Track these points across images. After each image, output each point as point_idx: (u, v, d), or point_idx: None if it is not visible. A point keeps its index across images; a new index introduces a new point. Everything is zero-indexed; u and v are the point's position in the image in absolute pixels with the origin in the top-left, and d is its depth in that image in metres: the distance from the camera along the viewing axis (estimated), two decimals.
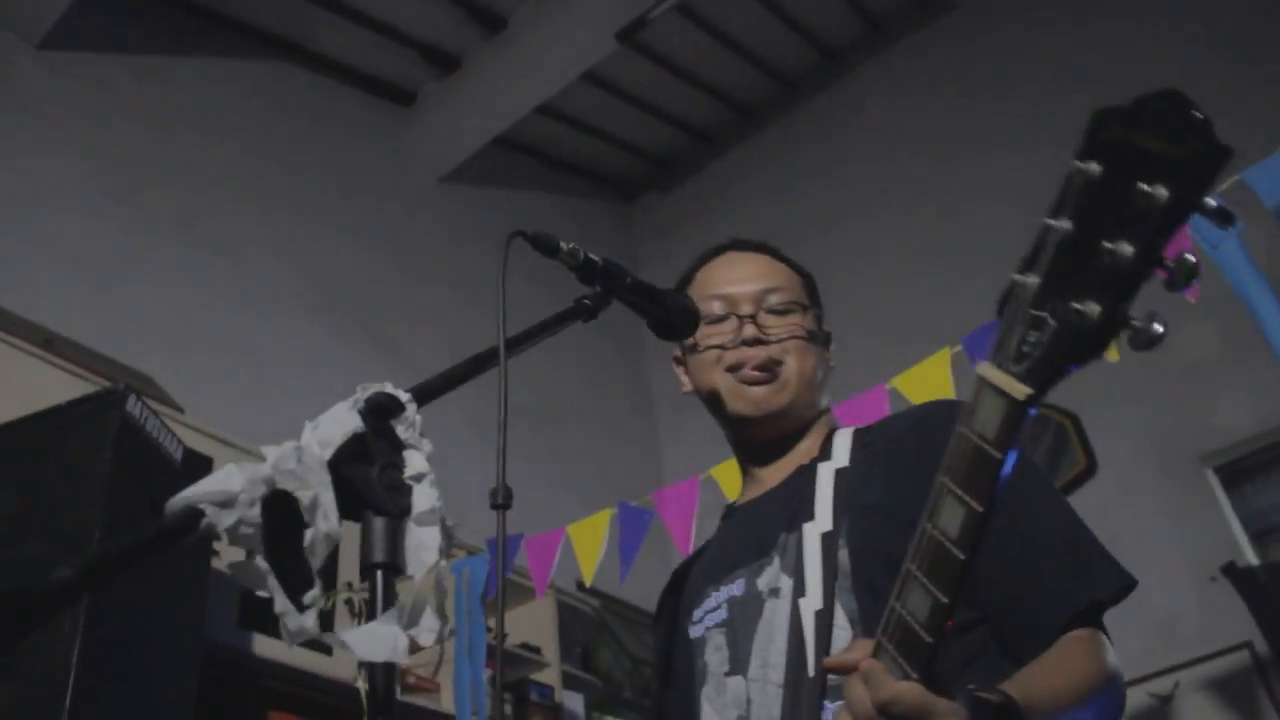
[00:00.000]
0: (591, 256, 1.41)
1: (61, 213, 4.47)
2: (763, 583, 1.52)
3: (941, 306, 5.33)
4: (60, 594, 0.79)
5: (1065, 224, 0.82)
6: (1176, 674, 4.91)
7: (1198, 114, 0.78)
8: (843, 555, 1.44)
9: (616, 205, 8.15)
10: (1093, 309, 0.80)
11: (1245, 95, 5.44)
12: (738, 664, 1.50)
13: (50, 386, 3.24)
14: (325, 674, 3.68)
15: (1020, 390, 0.85)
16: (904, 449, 1.48)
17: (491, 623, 4.73)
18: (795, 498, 1.56)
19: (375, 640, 0.91)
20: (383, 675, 0.95)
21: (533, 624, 4.77)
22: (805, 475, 1.59)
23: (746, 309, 1.65)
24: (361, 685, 3.85)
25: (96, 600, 2.35)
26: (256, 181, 5.45)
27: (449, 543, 1.00)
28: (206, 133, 5.35)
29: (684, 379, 1.78)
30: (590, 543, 3.29)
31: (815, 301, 1.75)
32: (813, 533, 1.48)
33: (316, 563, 0.93)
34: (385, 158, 6.43)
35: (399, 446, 1.00)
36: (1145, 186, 0.79)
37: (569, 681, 4.81)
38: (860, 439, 1.60)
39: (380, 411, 1.00)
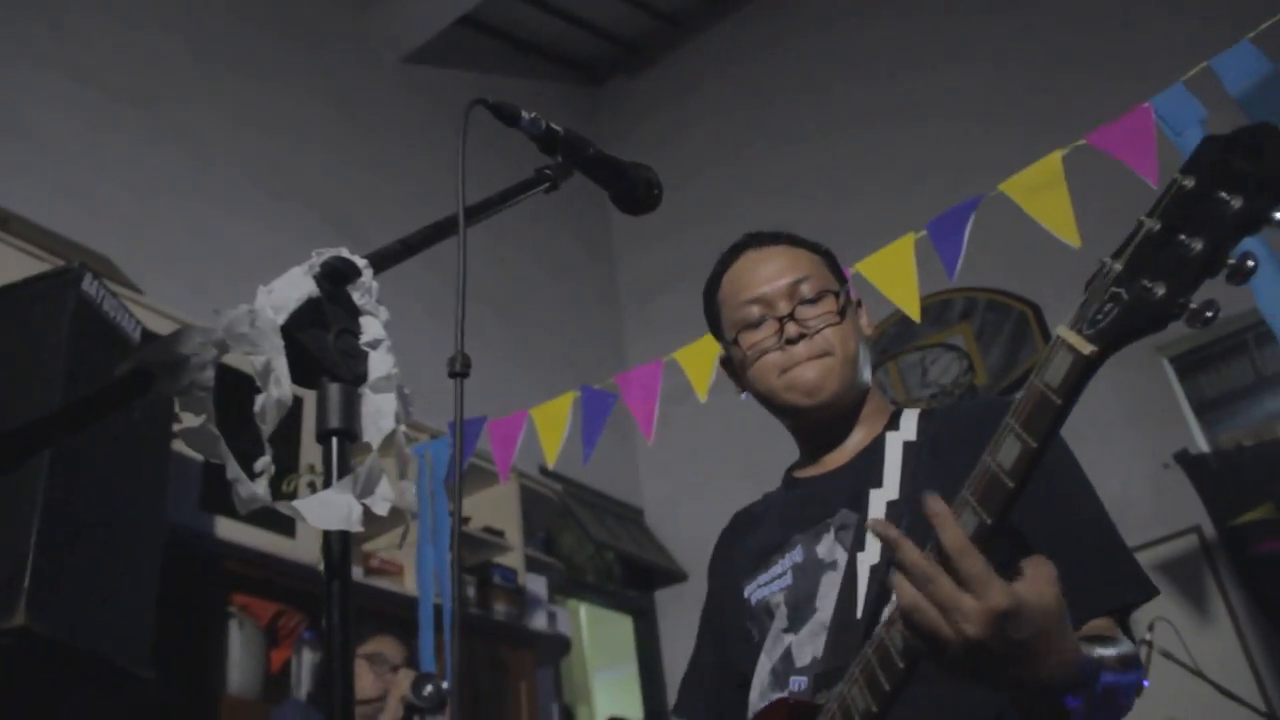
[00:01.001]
0: (553, 126, 1.37)
1: (20, 94, 4.32)
2: (822, 550, 1.56)
3: (910, 193, 5.31)
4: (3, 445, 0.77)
5: (1155, 223, 0.96)
6: None
7: None
8: (904, 525, 1.42)
9: (583, 89, 8.01)
10: (1159, 289, 0.94)
11: None
12: (796, 623, 1.55)
13: (6, 266, 3.18)
14: (288, 557, 3.70)
15: (1087, 348, 0.98)
16: (965, 443, 1.42)
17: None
18: (866, 469, 1.58)
19: (328, 508, 0.90)
20: (338, 544, 0.94)
21: (496, 508, 4.81)
22: (875, 447, 1.60)
23: (783, 308, 1.64)
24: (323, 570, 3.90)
25: (54, 481, 2.33)
26: (217, 63, 5.29)
27: (406, 411, 0.98)
28: (167, 15, 5.17)
29: (736, 384, 1.77)
30: (553, 425, 3.29)
31: (840, 277, 1.72)
32: (879, 499, 1.51)
33: (268, 429, 0.91)
34: (348, 37, 6.26)
35: (355, 312, 0.97)
36: (1225, 195, 0.92)
37: (531, 565, 4.86)
38: (925, 420, 1.60)
39: (336, 276, 0.97)
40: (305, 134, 5.57)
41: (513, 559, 4.72)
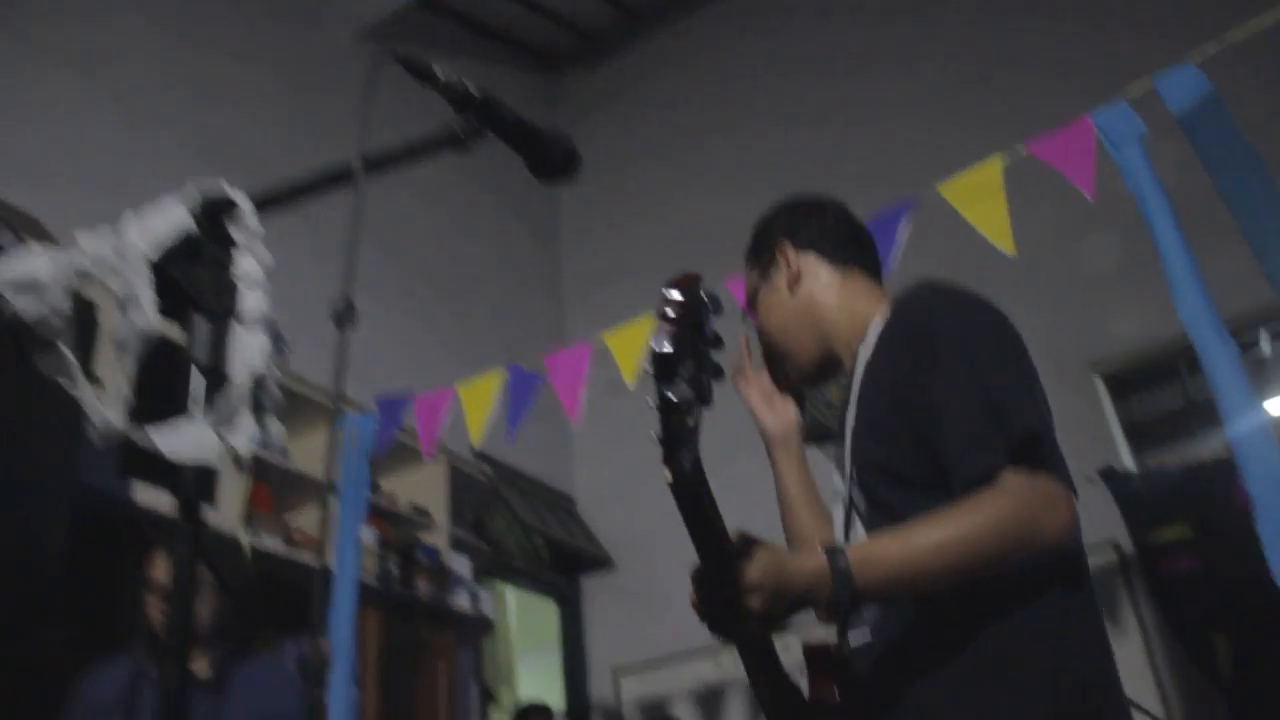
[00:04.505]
0: (471, 89, 1.36)
1: None
2: (836, 480, 1.63)
3: (851, 191, 5.34)
4: None
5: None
6: None
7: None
8: (849, 458, 1.56)
9: (540, 77, 7.96)
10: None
11: (1158, 4, 5.52)
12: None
13: None
14: (209, 525, 3.65)
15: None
16: (890, 364, 1.53)
17: (384, 483, 4.74)
18: (846, 395, 1.63)
19: (185, 439, 0.88)
20: (193, 479, 0.92)
21: (423, 486, 4.78)
22: (855, 368, 1.65)
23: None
24: (244, 540, 3.85)
25: None
26: (169, 31, 5.17)
27: (281, 353, 0.96)
28: None
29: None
30: (479, 403, 3.27)
31: (758, 252, 1.79)
32: (849, 431, 1.58)
33: (129, 359, 0.89)
34: (303, 12, 6.17)
35: (230, 247, 0.96)
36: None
37: (457, 545, 4.84)
38: (886, 330, 1.60)
39: (212, 208, 0.95)
40: (251, 106, 5.47)
41: (438, 538, 4.69)
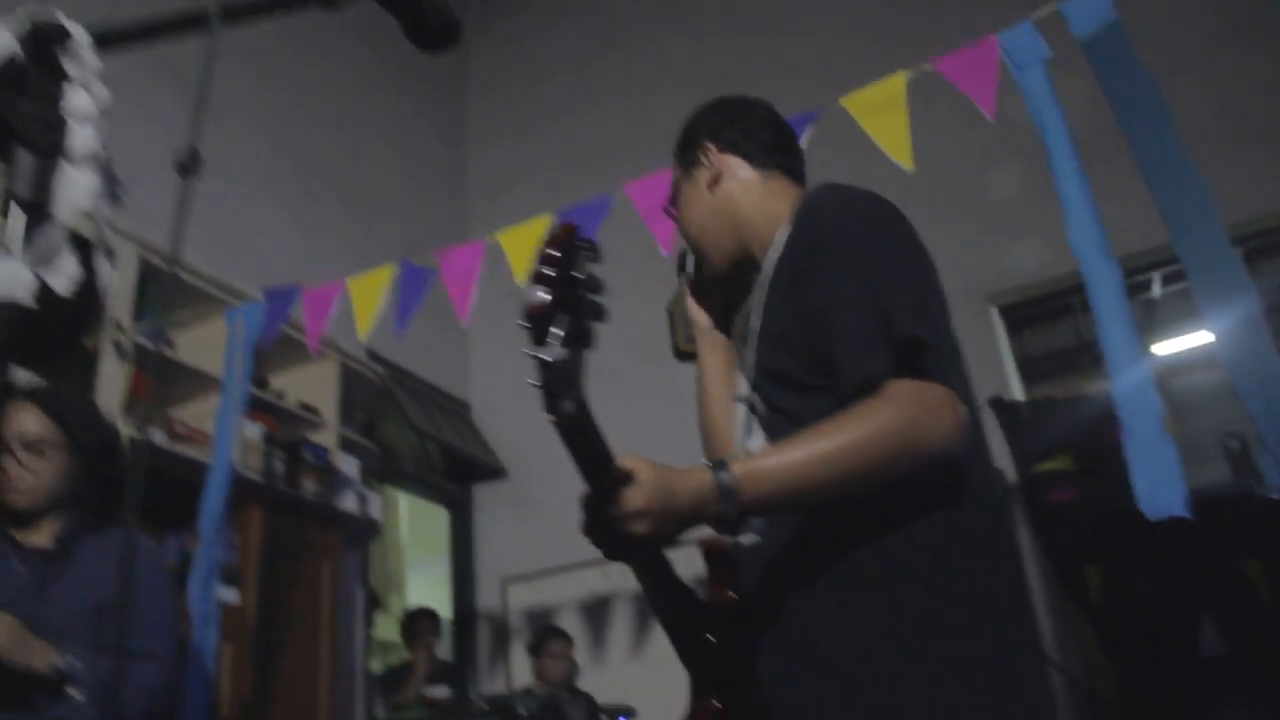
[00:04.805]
0: None
1: None
2: (740, 384, 1.65)
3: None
4: None
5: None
6: None
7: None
8: (752, 361, 1.56)
9: None
10: None
11: None
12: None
13: None
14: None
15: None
16: (795, 264, 1.51)
17: (275, 380, 4.64)
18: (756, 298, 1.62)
19: None
20: (4, 317, 0.85)
21: (314, 385, 4.69)
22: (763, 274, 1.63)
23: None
24: (124, 429, 3.74)
25: None
26: None
27: (114, 195, 0.90)
28: None
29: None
30: (369, 299, 3.19)
31: (682, 153, 1.79)
32: (753, 333, 1.57)
33: None
34: None
35: (62, 79, 0.89)
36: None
37: (347, 446, 4.77)
38: (790, 234, 1.57)
39: (43, 37, 0.88)
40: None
41: (327, 437, 4.61)
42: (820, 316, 1.40)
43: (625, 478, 1.23)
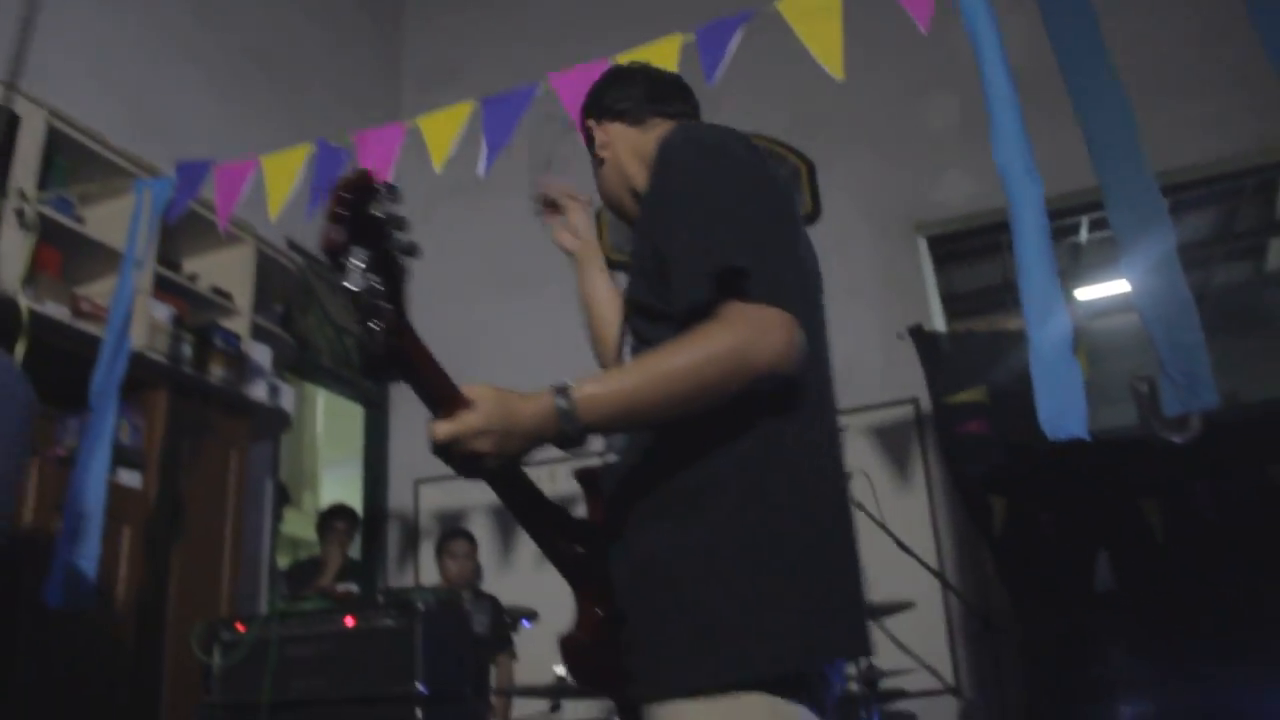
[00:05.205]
0: None
1: None
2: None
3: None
4: None
5: None
6: (847, 417, 5.24)
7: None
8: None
9: None
10: None
11: None
12: None
13: None
14: None
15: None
16: (648, 199, 1.58)
17: (188, 263, 4.52)
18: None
19: None
20: None
21: (228, 270, 4.58)
22: None
23: None
24: (23, 302, 3.62)
25: None
26: None
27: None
28: None
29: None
30: (282, 178, 3.08)
31: (584, 133, 1.90)
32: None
33: None
34: None
35: None
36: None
37: (260, 334, 4.67)
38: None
39: None
40: None
41: (239, 325, 4.51)
42: (661, 246, 1.47)
43: (462, 401, 1.31)
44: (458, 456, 1.32)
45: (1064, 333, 2.20)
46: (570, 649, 1.52)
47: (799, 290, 1.46)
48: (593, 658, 1.52)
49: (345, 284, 1.20)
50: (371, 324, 1.22)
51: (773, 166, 1.55)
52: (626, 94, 1.85)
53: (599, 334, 2.00)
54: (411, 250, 1.27)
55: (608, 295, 2.02)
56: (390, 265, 1.24)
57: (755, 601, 1.34)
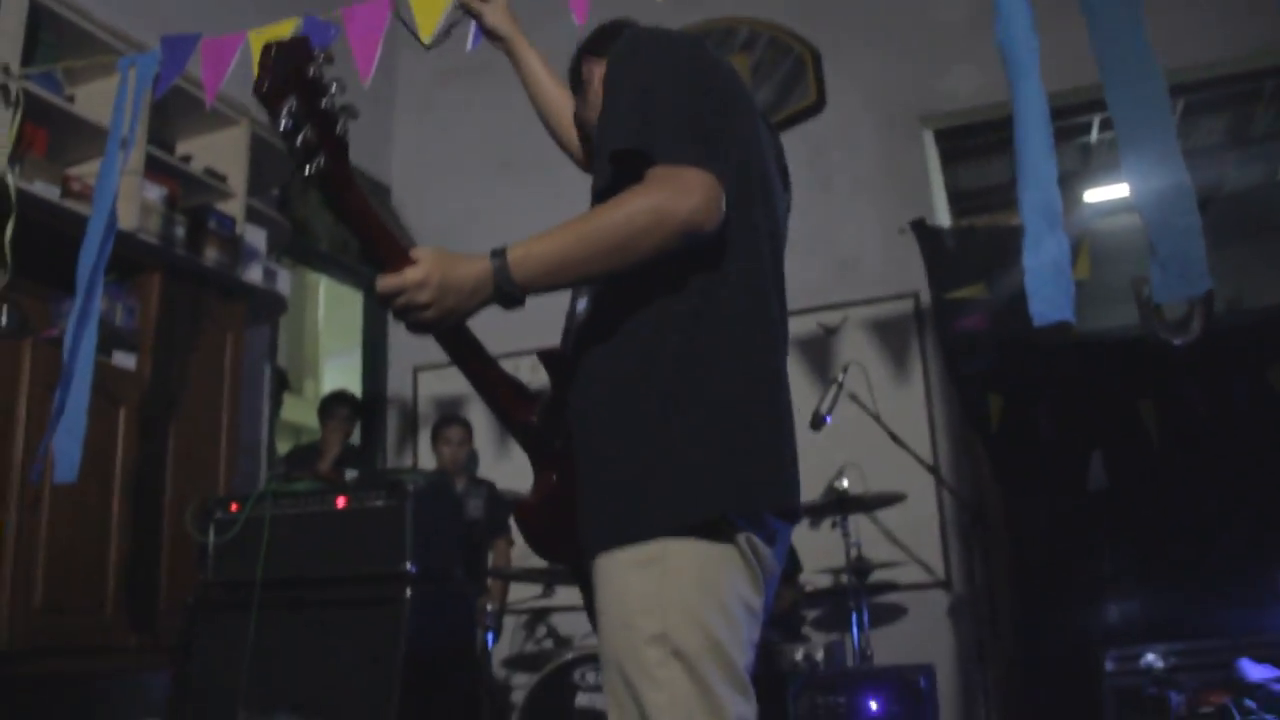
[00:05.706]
0: None
1: None
2: None
3: None
4: None
5: None
6: (846, 310, 5.24)
7: None
8: None
9: None
10: None
11: None
12: None
13: None
14: None
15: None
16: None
17: (182, 145, 4.46)
18: None
19: None
20: None
21: (223, 151, 4.52)
22: None
23: None
24: (10, 180, 3.59)
25: None
26: None
27: None
28: None
29: None
30: None
31: (574, 73, 1.95)
32: None
33: None
34: None
35: None
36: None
37: (255, 217, 4.63)
38: None
39: None
40: None
41: (234, 208, 4.46)
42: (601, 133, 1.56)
43: (408, 259, 1.38)
44: (399, 308, 1.39)
45: (1054, 210, 2.16)
46: (524, 516, 1.60)
47: (736, 167, 1.52)
48: (544, 523, 1.59)
49: (280, 126, 1.27)
50: (310, 167, 1.30)
51: (723, 64, 1.63)
52: (613, 29, 1.90)
53: (549, 113, 2.19)
54: (348, 110, 1.33)
55: (547, 75, 2.21)
56: (326, 120, 1.30)
57: (681, 453, 1.43)
